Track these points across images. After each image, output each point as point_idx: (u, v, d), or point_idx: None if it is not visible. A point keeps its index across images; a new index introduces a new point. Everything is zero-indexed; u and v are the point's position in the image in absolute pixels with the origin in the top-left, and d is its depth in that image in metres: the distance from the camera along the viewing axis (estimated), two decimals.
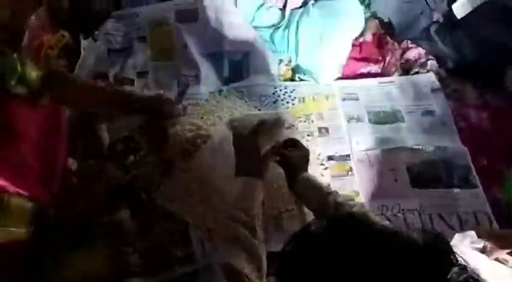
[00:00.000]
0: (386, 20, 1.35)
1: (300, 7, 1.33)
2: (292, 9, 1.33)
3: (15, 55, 0.82)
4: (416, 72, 1.32)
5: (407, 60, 1.34)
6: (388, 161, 1.10)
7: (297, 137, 1.06)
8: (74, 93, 0.99)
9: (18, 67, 0.82)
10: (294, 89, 1.26)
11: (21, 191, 0.79)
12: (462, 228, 0.98)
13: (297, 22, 1.29)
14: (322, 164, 1.10)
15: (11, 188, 0.80)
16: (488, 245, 0.80)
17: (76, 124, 1.14)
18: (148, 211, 1.00)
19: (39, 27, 1.12)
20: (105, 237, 0.95)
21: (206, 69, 1.29)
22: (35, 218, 0.75)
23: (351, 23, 1.30)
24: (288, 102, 1.24)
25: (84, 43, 1.28)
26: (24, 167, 0.88)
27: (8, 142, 0.87)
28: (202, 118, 1.15)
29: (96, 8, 1.28)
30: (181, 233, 0.98)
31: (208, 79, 1.27)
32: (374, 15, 1.37)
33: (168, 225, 0.99)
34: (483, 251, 0.80)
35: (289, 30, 1.30)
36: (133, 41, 1.31)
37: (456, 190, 1.05)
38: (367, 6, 1.36)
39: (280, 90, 1.26)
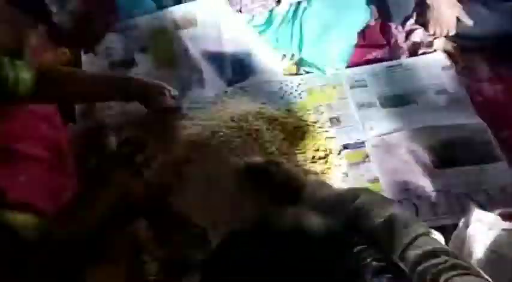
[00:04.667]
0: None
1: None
2: (292, 3, 1.30)
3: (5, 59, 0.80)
4: (424, 53, 1.29)
5: (414, 42, 1.30)
6: (406, 143, 1.06)
7: None
8: (70, 86, 0.92)
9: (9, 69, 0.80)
10: (299, 83, 1.24)
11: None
12: (489, 205, 0.93)
13: (300, 15, 1.27)
14: (338, 154, 1.07)
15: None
16: None
17: (83, 139, 1.13)
18: (165, 219, 0.98)
19: (39, 46, 1.13)
20: (122, 248, 0.93)
21: (209, 72, 1.27)
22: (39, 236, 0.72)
23: (355, 13, 1.27)
24: (295, 97, 1.21)
25: (85, 58, 1.27)
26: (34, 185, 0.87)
27: (16, 161, 0.86)
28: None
29: (96, 26, 1.29)
30: (201, 236, 0.95)
31: (212, 81, 1.26)
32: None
33: (186, 230, 0.96)
34: None
35: (292, 24, 1.27)
36: (134, 52, 1.31)
37: (480, 166, 1.01)
38: None
39: (286, 85, 1.24)
